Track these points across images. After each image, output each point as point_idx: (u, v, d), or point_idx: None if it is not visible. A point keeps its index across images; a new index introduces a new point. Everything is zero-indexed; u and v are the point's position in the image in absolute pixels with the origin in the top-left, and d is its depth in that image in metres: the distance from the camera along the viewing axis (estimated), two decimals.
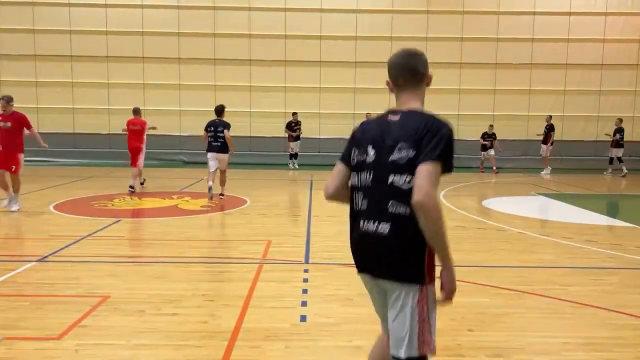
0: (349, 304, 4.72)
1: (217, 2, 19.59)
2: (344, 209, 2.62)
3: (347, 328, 4.17)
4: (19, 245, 6.83)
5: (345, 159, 2.49)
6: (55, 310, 4.43)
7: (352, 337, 3.99)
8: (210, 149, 10.13)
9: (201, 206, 10.19)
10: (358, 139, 2.45)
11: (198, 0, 19.58)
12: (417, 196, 2.11)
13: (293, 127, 18.40)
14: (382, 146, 2.30)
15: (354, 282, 5.37)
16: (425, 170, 2.13)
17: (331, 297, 4.86)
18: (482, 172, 18.05)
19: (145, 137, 12.25)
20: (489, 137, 18.34)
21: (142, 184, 12.71)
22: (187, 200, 10.96)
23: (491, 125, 18.46)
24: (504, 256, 6.71)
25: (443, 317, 4.40)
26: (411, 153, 2.19)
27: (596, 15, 19.97)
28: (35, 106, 19.10)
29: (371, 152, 2.34)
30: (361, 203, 2.42)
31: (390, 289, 2.35)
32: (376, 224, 2.32)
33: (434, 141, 2.18)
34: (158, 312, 4.43)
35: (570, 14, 19.93)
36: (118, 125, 19.65)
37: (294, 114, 18.49)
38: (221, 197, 10.51)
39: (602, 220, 9.42)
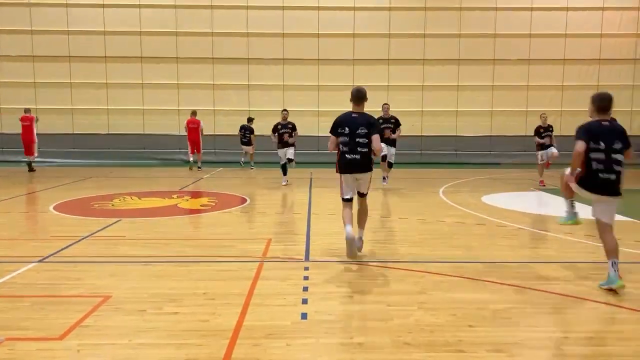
0: (349, 301, 4.73)
1: (214, 1, 19.57)
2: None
3: (348, 325, 4.18)
4: (19, 246, 6.84)
5: (334, 132, 6.21)
6: (56, 310, 4.44)
7: (353, 333, 4.01)
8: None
9: (201, 205, 10.21)
10: (340, 122, 6.19)
11: None
12: (374, 145, 6.02)
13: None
14: (352, 127, 6.08)
15: (354, 279, 5.39)
16: (376, 137, 6.02)
17: (332, 295, 4.88)
18: (544, 185, 13.21)
19: (201, 131, 16.97)
20: (546, 131, 13.40)
21: (199, 167, 17.14)
22: (187, 200, 10.97)
23: (544, 115, 13.75)
24: (504, 252, 6.73)
25: (442, 312, 4.43)
26: (366, 130, 6.02)
27: (593, 10, 19.98)
28: (34, 107, 19.10)
29: (347, 129, 6.09)
30: (347, 148, 6.08)
31: (360, 176, 6.14)
32: (354, 155, 6.05)
33: (374, 125, 6.14)
34: (159, 311, 4.44)
35: (567, 9, 19.94)
36: (116, 126, 19.79)
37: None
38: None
39: None
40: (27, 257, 6.12)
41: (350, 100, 6.18)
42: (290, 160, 13.10)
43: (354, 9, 19.76)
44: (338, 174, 6.24)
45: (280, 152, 13.30)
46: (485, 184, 14.14)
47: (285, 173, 13.29)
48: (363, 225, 6.35)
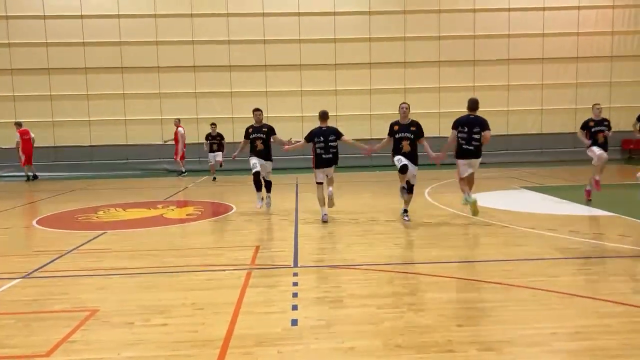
0: (339, 306, 4.73)
1: (194, 9, 19.52)
2: (329, 212, 2.93)
3: (338, 329, 4.18)
4: (3, 262, 6.72)
5: (309, 140, 9.07)
6: (42, 326, 4.37)
7: (344, 338, 4.01)
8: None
9: (187, 214, 10.14)
10: (316, 133, 9.05)
11: (175, 8, 19.50)
12: (344, 138, 9.17)
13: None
14: (325, 135, 8.98)
15: (343, 284, 5.40)
16: (346, 137, 9.25)
17: (321, 300, 4.88)
18: (598, 188, 10.29)
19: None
20: (598, 124, 10.44)
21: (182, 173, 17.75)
22: (173, 209, 10.89)
23: (598, 107, 10.60)
24: (490, 250, 6.79)
25: (431, 313, 4.45)
26: (335, 137, 9.00)
27: (569, 9, 20.33)
28: (14, 120, 18.86)
29: (322, 137, 8.95)
30: (322, 150, 8.92)
31: (330, 170, 9.07)
32: (329, 155, 8.95)
33: (338, 133, 9.13)
34: (147, 323, 4.40)
35: (544, 9, 20.26)
36: (98, 137, 19.59)
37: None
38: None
39: (584, 210, 9.57)
40: (10, 273, 6.01)
41: (319, 119, 9.19)
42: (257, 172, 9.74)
43: (334, 14, 19.85)
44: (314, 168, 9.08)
45: (254, 161, 9.84)
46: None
47: (259, 188, 9.86)
48: (332, 185, 9.30)
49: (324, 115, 9.19)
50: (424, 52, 20.05)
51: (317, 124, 9.18)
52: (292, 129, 19.17)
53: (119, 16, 19.36)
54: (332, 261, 6.26)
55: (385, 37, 19.97)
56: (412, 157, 8.70)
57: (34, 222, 9.46)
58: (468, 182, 9.04)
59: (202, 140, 17.16)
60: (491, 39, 20.19)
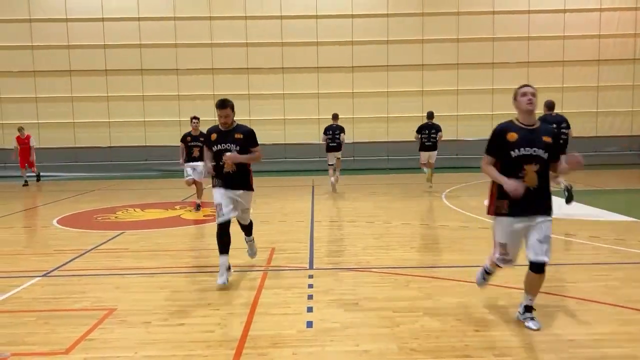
0: (354, 308, 4.72)
1: (213, 12, 19.67)
2: (345, 214, 2.91)
3: (353, 332, 4.17)
4: (24, 260, 6.84)
5: (326, 133, 13.23)
6: (61, 324, 4.44)
7: (359, 341, 3.99)
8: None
9: (204, 215, 10.21)
10: (328, 128, 13.22)
11: (194, 11, 19.67)
12: (342, 136, 13.23)
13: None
14: (334, 130, 13.12)
15: (359, 287, 5.38)
16: (343, 136, 13.31)
17: (337, 302, 4.87)
18: None
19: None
20: None
21: None
22: (190, 210, 10.97)
23: None
24: None
25: (448, 317, 4.41)
26: (339, 132, 13.18)
27: (591, 11, 20.04)
28: (36, 122, 19.22)
29: (331, 131, 13.10)
30: (329, 140, 13.12)
31: (337, 154, 13.28)
32: (334, 144, 13.11)
33: (342, 129, 13.25)
34: (164, 322, 4.44)
35: (565, 11, 20.00)
36: (118, 138, 19.84)
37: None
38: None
39: (605, 215, 9.41)
40: (31, 271, 6.12)
41: (332, 119, 13.25)
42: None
43: (352, 16, 19.84)
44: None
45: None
46: (487, 187, 14.07)
47: (225, 248, 5.56)
48: (338, 168, 13.28)
49: (335, 116, 13.40)
50: (442, 54, 19.93)
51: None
52: (308, 132, 19.31)
53: (139, 19, 19.59)
54: (347, 264, 6.25)
55: (403, 39, 19.90)
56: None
57: (54, 222, 9.61)
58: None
59: None
60: (511, 42, 19.99)
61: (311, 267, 6.14)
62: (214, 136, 5.55)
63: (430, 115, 13.26)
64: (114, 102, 19.84)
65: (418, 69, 20.01)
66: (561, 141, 8.66)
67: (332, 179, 13.19)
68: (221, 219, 5.48)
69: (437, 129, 13.09)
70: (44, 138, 18.82)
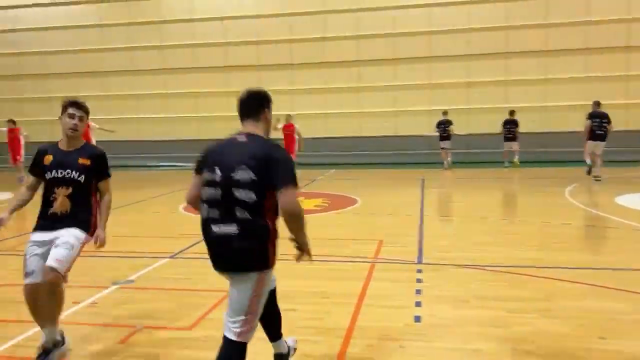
0: (464, 306, 4.58)
1: (327, 6, 19.91)
2: (457, 209, 2.80)
3: (463, 330, 4.06)
4: (153, 242, 7.51)
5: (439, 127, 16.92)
6: (185, 303, 4.83)
7: (469, 339, 3.88)
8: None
9: (315, 206, 10.47)
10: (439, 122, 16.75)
11: (306, 6, 19.99)
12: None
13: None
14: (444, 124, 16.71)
15: (469, 283, 5.21)
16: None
17: (446, 298, 4.76)
18: None
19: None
20: None
21: None
22: (301, 200, 11.30)
23: None
24: (638, 258, 6.10)
25: (568, 321, 4.12)
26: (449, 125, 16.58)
27: None
28: (166, 115, 20.89)
29: (442, 125, 16.76)
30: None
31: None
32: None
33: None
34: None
35: None
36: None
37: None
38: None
39: None
40: (160, 253, 6.71)
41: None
42: None
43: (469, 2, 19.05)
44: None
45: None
46: (620, 183, 12.79)
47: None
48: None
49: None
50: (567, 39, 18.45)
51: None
52: (419, 124, 18.87)
53: (222, 19, 20.49)
54: (458, 260, 6.07)
55: (523, 24, 18.70)
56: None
57: (181, 208, 10.42)
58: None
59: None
60: (608, 24, 17.96)
61: (420, 262, 6.05)
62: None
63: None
64: (202, 99, 20.89)
65: (539, 56, 18.70)
66: (602, 132, 12.45)
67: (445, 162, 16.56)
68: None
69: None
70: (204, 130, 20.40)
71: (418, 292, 4.96)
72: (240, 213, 2.78)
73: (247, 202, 2.77)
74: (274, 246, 2.97)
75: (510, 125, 16.83)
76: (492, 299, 4.74)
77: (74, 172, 3.69)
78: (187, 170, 19.09)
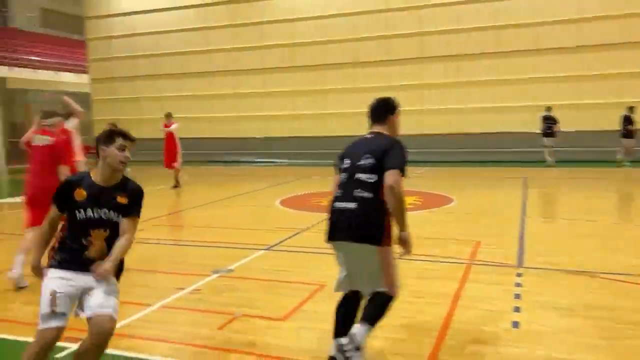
0: (569, 314, 4.30)
1: (389, 5, 19.71)
2: (562, 210, 2.64)
3: (566, 339, 3.82)
4: (251, 234, 7.83)
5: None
6: (280, 294, 4.99)
7: (572, 349, 3.64)
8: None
9: (408, 204, 10.32)
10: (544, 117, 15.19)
11: (368, 5, 19.97)
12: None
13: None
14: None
15: (575, 291, 4.89)
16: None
17: (548, 305, 4.50)
18: None
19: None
20: None
21: None
22: None
23: None
24: None
25: None
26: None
27: None
28: (238, 114, 21.63)
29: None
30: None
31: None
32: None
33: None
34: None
35: None
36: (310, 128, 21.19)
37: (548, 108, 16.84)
38: None
39: None
40: (256, 244, 6.98)
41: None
42: None
43: None
44: None
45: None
46: None
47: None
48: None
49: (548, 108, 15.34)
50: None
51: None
52: (520, 120, 17.91)
53: (293, 20, 20.61)
54: (563, 264, 5.71)
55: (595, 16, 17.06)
56: None
57: (277, 202, 10.76)
58: None
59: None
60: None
61: (520, 265, 5.77)
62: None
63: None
64: (269, 98, 21.29)
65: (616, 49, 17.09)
66: None
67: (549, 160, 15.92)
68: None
69: None
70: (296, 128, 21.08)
71: (517, 296, 4.74)
72: (360, 192, 3.37)
73: (368, 182, 3.34)
74: (389, 221, 3.42)
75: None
76: (599, 308, 4.41)
77: (111, 212, 3.12)
78: (280, 167, 19.69)
